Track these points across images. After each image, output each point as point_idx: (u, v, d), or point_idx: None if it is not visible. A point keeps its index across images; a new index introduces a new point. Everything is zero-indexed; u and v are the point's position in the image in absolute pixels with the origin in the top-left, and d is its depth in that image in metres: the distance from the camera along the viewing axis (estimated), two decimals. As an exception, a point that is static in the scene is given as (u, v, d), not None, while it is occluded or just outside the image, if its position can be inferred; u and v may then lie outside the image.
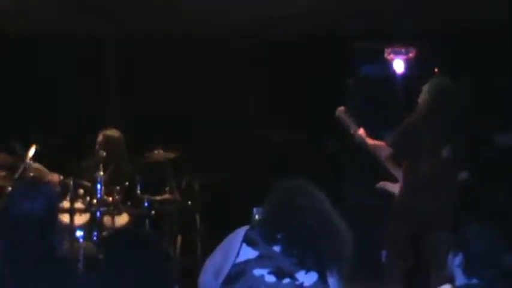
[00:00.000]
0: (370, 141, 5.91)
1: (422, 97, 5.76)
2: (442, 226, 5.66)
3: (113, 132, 6.81)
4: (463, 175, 5.88)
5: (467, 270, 3.28)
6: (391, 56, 7.33)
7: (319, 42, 7.73)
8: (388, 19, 7.18)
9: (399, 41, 7.34)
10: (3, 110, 7.79)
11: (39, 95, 7.93)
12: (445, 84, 5.80)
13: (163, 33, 7.74)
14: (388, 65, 7.37)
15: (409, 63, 7.34)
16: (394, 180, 5.95)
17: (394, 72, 7.31)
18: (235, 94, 7.93)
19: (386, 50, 7.38)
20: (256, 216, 3.61)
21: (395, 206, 5.83)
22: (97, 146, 6.69)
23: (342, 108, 6.03)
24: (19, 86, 7.91)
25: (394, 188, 5.94)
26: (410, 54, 7.32)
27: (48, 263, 2.67)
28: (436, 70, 7.37)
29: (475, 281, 3.26)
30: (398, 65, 7.30)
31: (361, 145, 5.95)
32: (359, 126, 5.96)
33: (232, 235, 3.43)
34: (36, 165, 6.34)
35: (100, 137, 6.73)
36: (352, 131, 5.98)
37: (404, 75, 7.26)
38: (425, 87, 5.77)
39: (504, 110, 7.19)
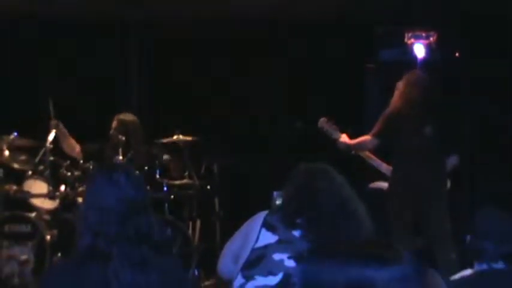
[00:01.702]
0: (353, 141, 6.05)
1: (398, 91, 5.98)
2: (435, 203, 5.84)
3: (127, 116, 6.77)
4: (453, 160, 5.98)
5: (480, 253, 3.25)
6: (412, 40, 7.27)
7: (339, 27, 7.69)
8: (408, 3, 7.12)
9: (420, 25, 7.27)
10: (25, 95, 7.80)
11: (60, 80, 7.94)
12: (417, 76, 6.09)
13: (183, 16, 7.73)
14: (408, 49, 7.31)
15: (429, 48, 7.28)
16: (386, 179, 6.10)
17: (414, 56, 7.25)
18: (255, 77, 7.91)
19: (406, 34, 7.32)
20: (276, 201, 3.60)
21: (392, 188, 5.98)
22: (112, 131, 6.66)
23: (323, 118, 6.17)
24: (41, 70, 7.92)
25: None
26: (431, 39, 7.25)
27: (151, 243, 2.70)
28: (457, 54, 7.32)
29: (484, 266, 3.24)
30: (419, 50, 7.23)
31: (346, 151, 6.09)
32: (342, 132, 6.11)
33: (250, 220, 3.42)
34: (61, 126, 6.40)
35: (114, 121, 6.70)
36: (336, 138, 6.09)
37: (425, 60, 7.20)
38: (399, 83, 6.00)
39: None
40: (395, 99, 5.96)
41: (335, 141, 6.09)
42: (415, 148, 5.84)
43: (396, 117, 5.89)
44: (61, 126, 6.43)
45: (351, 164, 6.00)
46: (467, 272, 3.34)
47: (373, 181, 6.24)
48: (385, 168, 6.16)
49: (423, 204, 5.87)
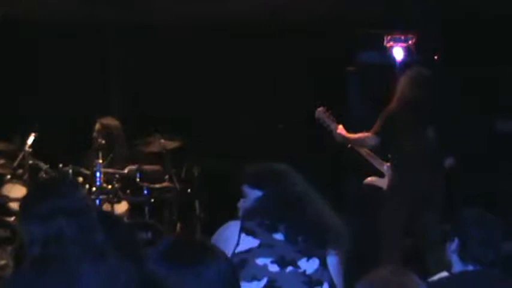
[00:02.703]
0: (352, 136, 5.95)
1: (400, 87, 5.89)
2: (433, 207, 5.77)
3: (110, 120, 6.81)
4: (449, 161, 5.94)
5: (462, 255, 3.25)
6: (391, 43, 7.31)
7: (320, 30, 7.71)
8: (388, 6, 7.15)
9: (399, 28, 7.32)
10: (1, 99, 7.76)
11: (39, 84, 7.91)
12: (421, 74, 5.93)
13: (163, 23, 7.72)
14: (388, 52, 7.35)
15: (408, 51, 7.33)
16: (381, 175, 6.04)
17: (394, 60, 7.30)
18: (236, 81, 7.91)
19: (386, 37, 7.36)
20: (240, 210, 3.59)
21: (389, 190, 5.89)
22: (94, 134, 6.69)
23: (321, 108, 6.07)
24: (18, 74, 7.88)
25: (382, 182, 6.02)
26: (410, 42, 7.30)
27: None
28: (435, 57, 7.37)
29: (470, 267, 3.23)
30: (398, 53, 7.28)
31: (344, 142, 5.99)
32: (338, 124, 6.01)
33: (224, 228, 3.39)
34: None
35: (97, 125, 6.73)
36: (332, 129, 6.00)
37: (404, 63, 7.24)
38: (402, 79, 5.91)
39: (503, 97, 7.18)
40: (398, 96, 5.85)
41: (331, 132, 5.99)
42: (418, 150, 5.74)
43: (397, 116, 5.78)
44: None
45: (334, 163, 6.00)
46: (445, 273, 3.35)
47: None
48: (379, 164, 6.06)
49: (423, 208, 5.78)
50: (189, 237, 2.20)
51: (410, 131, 5.75)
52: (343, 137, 5.94)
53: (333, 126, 5.98)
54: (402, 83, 5.88)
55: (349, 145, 6.02)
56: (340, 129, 5.95)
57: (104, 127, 6.71)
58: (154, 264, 2.07)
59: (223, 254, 2.17)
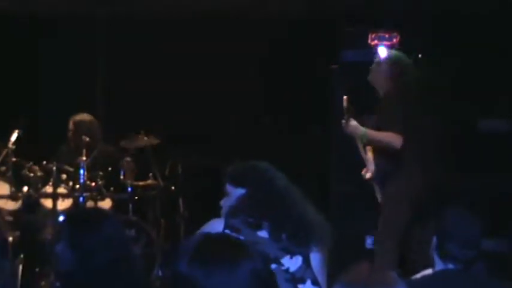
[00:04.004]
0: (377, 133, 5.64)
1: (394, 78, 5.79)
2: (427, 212, 5.57)
3: (83, 117, 6.79)
4: None
5: (441, 254, 3.26)
6: (375, 41, 7.31)
7: (303, 27, 7.72)
8: (372, 4, 7.17)
9: (383, 26, 7.33)
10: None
11: (23, 79, 7.87)
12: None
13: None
14: (372, 50, 7.35)
15: (392, 49, 7.33)
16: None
17: (378, 58, 7.30)
18: (221, 78, 7.90)
19: (370, 35, 7.37)
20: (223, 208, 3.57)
21: (399, 191, 5.63)
22: (69, 133, 6.69)
23: (345, 97, 5.86)
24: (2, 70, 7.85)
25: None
26: (394, 40, 7.31)
27: None
28: (419, 56, 7.38)
29: (450, 265, 3.24)
30: (382, 51, 7.29)
31: (352, 135, 5.73)
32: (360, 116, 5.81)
33: (208, 225, 3.40)
34: None
35: (70, 123, 6.72)
36: (345, 120, 5.74)
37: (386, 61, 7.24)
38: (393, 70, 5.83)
39: (487, 96, 7.21)
40: (398, 88, 5.68)
41: (345, 121, 5.68)
42: (422, 156, 5.59)
43: (409, 115, 5.59)
44: None
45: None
46: (429, 271, 3.37)
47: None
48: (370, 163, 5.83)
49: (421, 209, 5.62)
50: (221, 235, 2.09)
51: (421, 131, 5.62)
52: (357, 130, 5.64)
53: (346, 117, 5.69)
54: (395, 74, 5.79)
55: (364, 141, 5.71)
56: (353, 122, 5.66)
57: (76, 124, 6.70)
58: (185, 265, 2.00)
59: (257, 252, 2.09)
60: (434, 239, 3.28)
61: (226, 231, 3.30)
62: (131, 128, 6.87)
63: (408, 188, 5.60)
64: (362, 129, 5.62)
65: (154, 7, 7.44)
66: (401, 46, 7.19)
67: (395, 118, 5.59)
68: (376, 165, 5.79)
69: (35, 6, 7.50)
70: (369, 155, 5.87)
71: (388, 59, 5.91)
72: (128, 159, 6.54)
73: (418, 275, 3.38)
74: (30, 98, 7.83)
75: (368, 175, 5.86)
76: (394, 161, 5.67)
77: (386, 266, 5.46)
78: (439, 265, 3.28)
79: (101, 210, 4.47)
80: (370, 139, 5.68)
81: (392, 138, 5.55)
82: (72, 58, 7.86)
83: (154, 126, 6.94)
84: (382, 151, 5.72)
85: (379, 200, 5.81)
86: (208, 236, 2.15)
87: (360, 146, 5.85)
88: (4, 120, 6.76)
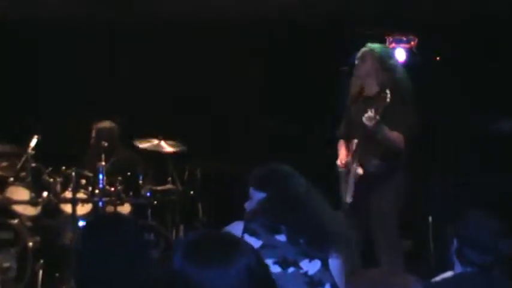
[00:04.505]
0: (391, 132, 5.47)
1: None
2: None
3: (105, 124, 6.87)
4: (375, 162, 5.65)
5: (459, 257, 3.25)
6: (393, 44, 7.30)
7: (321, 31, 7.71)
8: (390, 7, 7.16)
9: (401, 29, 7.31)
10: (4, 101, 7.79)
11: (41, 85, 7.93)
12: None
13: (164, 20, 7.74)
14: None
15: (410, 52, 7.32)
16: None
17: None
18: (239, 83, 7.91)
19: (388, 39, 7.35)
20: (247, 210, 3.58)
21: (396, 191, 5.59)
22: (92, 140, 6.77)
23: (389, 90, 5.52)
24: (20, 76, 7.90)
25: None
26: (412, 43, 7.29)
27: None
28: (437, 59, 7.37)
29: (469, 269, 3.24)
30: (400, 54, 7.27)
31: (376, 130, 5.42)
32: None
33: (228, 229, 3.41)
34: None
35: (94, 131, 6.82)
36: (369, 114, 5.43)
37: (405, 64, 7.23)
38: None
39: (505, 98, 7.18)
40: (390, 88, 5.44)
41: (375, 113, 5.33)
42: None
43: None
44: None
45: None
46: (449, 273, 3.36)
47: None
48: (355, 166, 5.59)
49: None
50: (215, 232, 2.08)
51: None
52: (381, 127, 5.39)
53: (372, 111, 5.36)
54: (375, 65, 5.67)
55: (379, 136, 5.43)
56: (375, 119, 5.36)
57: (98, 131, 6.79)
58: (179, 261, 1.99)
59: (253, 248, 2.07)
60: (455, 242, 3.27)
61: (245, 234, 3.30)
62: (150, 133, 6.90)
63: (404, 188, 5.59)
64: (382, 126, 5.40)
65: (176, 9, 7.47)
66: (419, 49, 7.18)
67: (401, 118, 5.47)
68: (371, 165, 5.58)
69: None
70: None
71: (375, 51, 5.79)
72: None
73: (438, 278, 3.37)
74: (47, 104, 7.89)
75: (360, 171, 5.61)
76: (393, 162, 5.57)
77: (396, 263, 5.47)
78: (459, 268, 3.27)
79: (120, 215, 4.49)
80: (384, 136, 5.47)
81: (400, 139, 5.50)
82: (87, 62, 7.90)
83: (172, 131, 6.96)
84: (381, 151, 5.56)
85: (348, 199, 5.57)
86: (203, 233, 2.16)
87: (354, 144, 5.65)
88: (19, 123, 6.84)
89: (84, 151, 6.88)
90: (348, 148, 5.77)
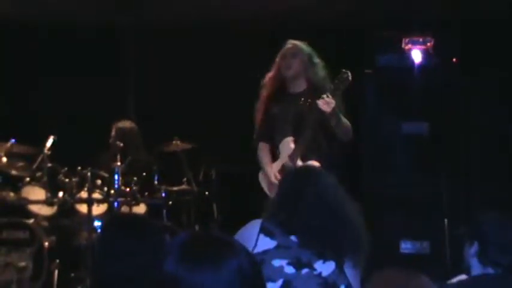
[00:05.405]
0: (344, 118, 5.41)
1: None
2: None
3: (126, 124, 6.90)
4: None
5: (482, 259, 3.24)
6: (409, 46, 7.28)
7: (337, 32, 7.69)
8: (406, 9, 7.14)
9: (417, 30, 7.28)
10: (20, 101, 7.82)
11: (56, 86, 7.95)
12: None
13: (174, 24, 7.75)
14: (406, 55, 7.32)
15: (427, 54, 7.29)
16: None
17: (412, 62, 7.26)
18: (252, 82, 7.90)
19: (404, 40, 7.33)
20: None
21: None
22: (111, 139, 6.77)
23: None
24: (35, 77, 7.93)
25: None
26: (429, 44, 7.26)
27: None
28: (454, 60, 7.33)
29: (490, 270, 3.22)
30: (416, 55, 7.24)
31: (332, 116, 5.26)
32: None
33: (246, 228, 3.40)
34: None
35: (113, 130, 6.82)
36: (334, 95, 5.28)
37: (422, 66, 7.21)
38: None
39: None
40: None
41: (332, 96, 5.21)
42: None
43: None
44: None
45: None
46: (464, 276, 3.34)
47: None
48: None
49: None
50: (207, 233, 2.06)
51: None
52: (337, 112, 5.28)
53: (334, 91, 5.24)
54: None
55: (333, 123, 5.28)
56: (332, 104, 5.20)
57: (119, 131, 6.80)
58: (170, 262, 1.99)
59: (245, 249, 2.06)
60: (475, 245, 3.25)
61: (261, 234, 3.29)
62: (165, 133, 6.90)
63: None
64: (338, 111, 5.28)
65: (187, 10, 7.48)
66: (435, 50, 7.15)
67: (343, 111, 5.37)
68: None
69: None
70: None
71: (303, 49, 5.74)
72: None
73: (454, 280, 3.35)
74: (68, 105, 7.91)
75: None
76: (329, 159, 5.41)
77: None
78: (477, 270, 3.25)
79: (138, 216, 4.48)
80: (340, 121, 5.33)
81: (350, 127, 5.41)
82: (104, 64, 7.92)
83: (188, 132, 6.97)
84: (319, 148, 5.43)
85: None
86: (194, 234, 2.15)
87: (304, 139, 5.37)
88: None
89: (99, 151, 6.88)
90: (271, 152, 5.62)
